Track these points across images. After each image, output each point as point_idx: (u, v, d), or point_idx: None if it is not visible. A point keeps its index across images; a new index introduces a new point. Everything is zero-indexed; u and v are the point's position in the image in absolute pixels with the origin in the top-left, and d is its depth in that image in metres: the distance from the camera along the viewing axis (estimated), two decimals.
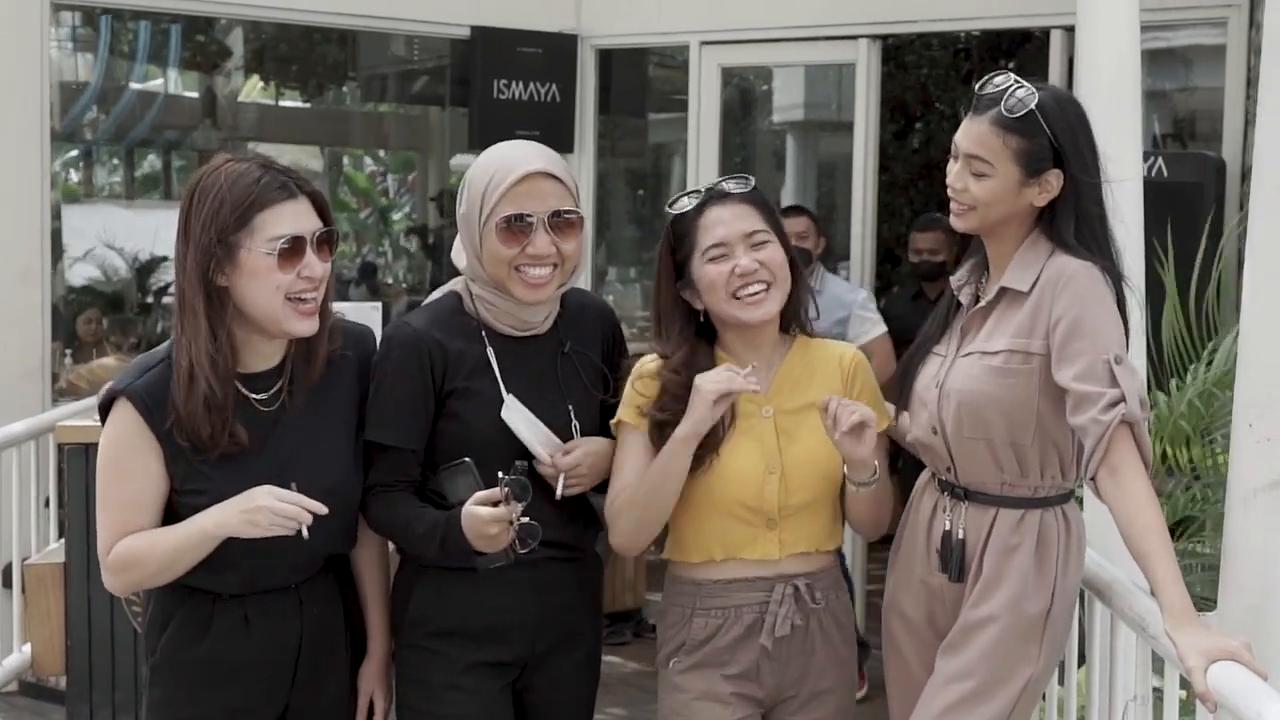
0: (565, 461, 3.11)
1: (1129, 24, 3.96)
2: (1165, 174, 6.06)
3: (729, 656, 3.19)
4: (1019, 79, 3.05)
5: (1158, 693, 3.08)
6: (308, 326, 2.94)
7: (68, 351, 8.16)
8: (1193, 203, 5.85)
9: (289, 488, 2.85)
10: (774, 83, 10.43)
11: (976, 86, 3.11)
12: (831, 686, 3.24)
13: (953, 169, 3.10)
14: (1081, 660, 3.47)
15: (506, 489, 2.90)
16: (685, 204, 3.20)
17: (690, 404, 3.04)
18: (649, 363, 3.22)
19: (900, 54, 9.71)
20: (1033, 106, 3.00)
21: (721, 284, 3.14)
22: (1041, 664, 3.05)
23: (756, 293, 3.13)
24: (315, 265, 2.92)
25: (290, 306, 2.91)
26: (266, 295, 2.89)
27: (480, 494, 2.93)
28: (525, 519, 2.92)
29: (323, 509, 2.83)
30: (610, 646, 5.32)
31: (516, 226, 3.06)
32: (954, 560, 3.10)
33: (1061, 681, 3.45)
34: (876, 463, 3.10)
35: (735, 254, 3.13)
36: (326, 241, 2.96)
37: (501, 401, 3.10)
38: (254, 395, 2.97)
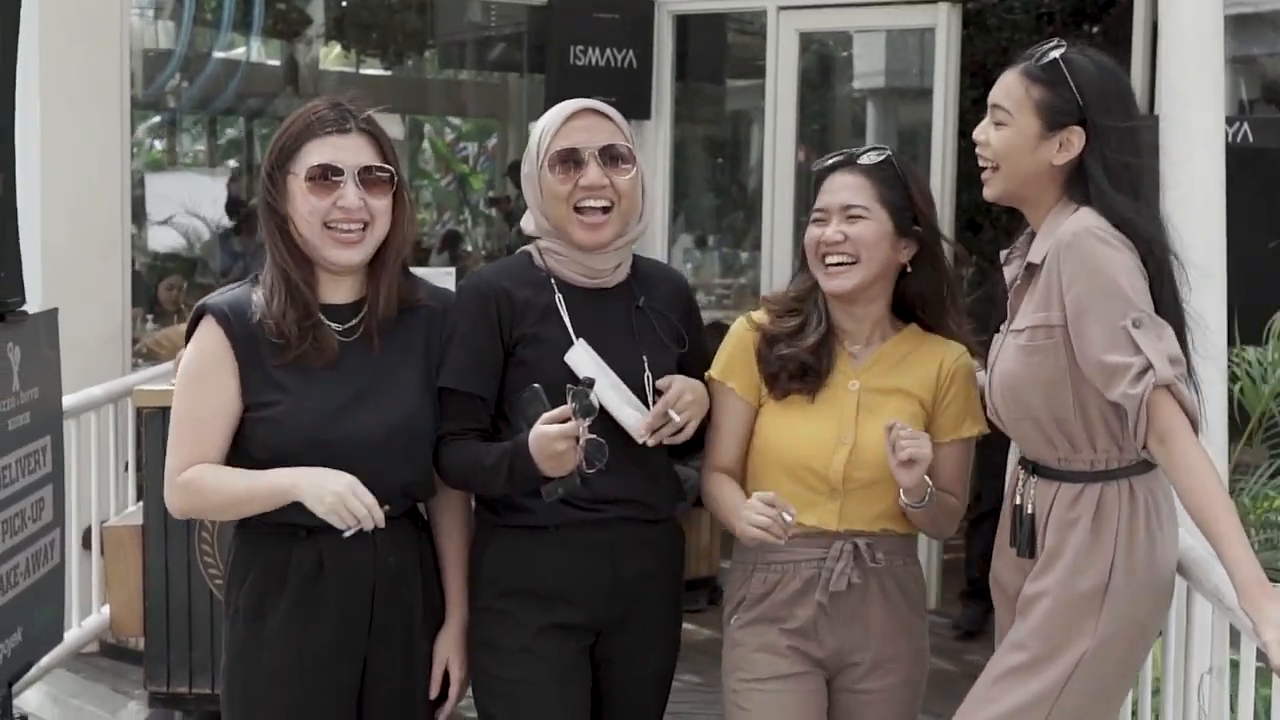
0: (671, 390, 3.11)
1: None
2: (1250, 139, 5.98)
3: (787, 612, 3.20)
4: (1060, 40, 3.02)
5: (1235, 665, 3.03)
6: (345, 256, 3.04)
7: (149, 317, 8.23)
8: (1278, 167, 5.78)
9: (383, 509, 2.94)
10: (854, 48, 10.34)
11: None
12: (898, 654, 3.23)
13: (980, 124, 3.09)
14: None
15: (574, 404, 2.90)
16: (824, 163, 3.26)
17: (739, 516, 3.05)
18: (753, 318, 3.27)
19: (982, 18, 9.57)
20: (1056, 56, 2.96)
21: (813, 247, 3.20)
22: (1099, 639, 2.96)
23: (838, 264, 3.16)
24: (351, 196, 3.01)
25: (328, 234, 3.02)
26: (304, 221, 3.02)
27: (548, 414, 2.93)
28: (592, 436, 2.92)
29: (381, 523, 2.93)
30: (684, 614, 5.32)
31: (570, 158, 3.12)
32: (1023, 535, 3.07)
33: None
34: (929, 489, 3.09)
35: (830, 222, 3.17)
36: (375, 180, 3.05)
37: (570, 347, 3.11)
38: (334, 325, 3.07)
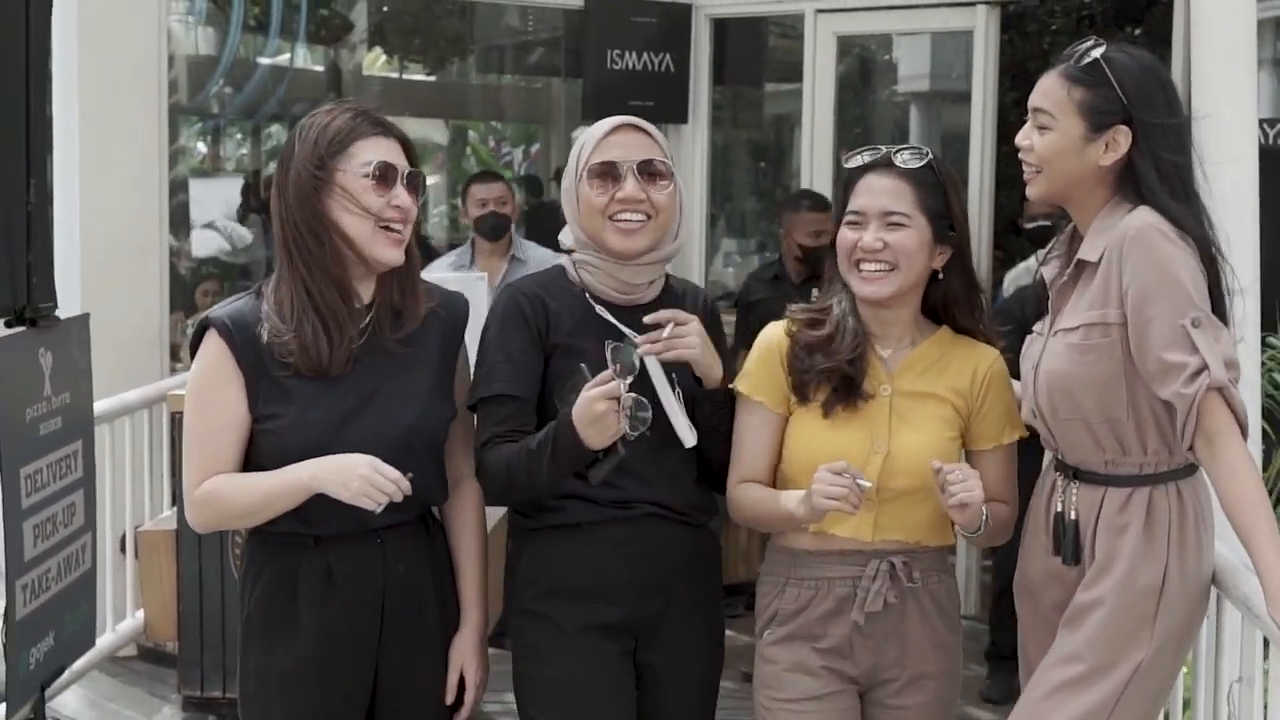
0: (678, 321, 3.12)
1: None
2: None
3: (821, 630, 3.15)
4: (1098, 39, 2.98)
5: (1266, 674, 3.00)
6: (395, 255, 3.06)
7: (189, 322, 8.25)
8: None
9: (406, 477, 2.92)
10: (895, 51, 10.30)
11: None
12: (932, 671, 3.18)
13: (1023, 129, 3.04)
14: None
15: (616, 363, 2.90)
16: (856, 161, 3.19)
17: (811, 502, 3.00)
18: (770, 331, 3.23)
19: (1022, 21, 9.53)
20: (1097, 56, 2.92)
21: (847, 252, 3.14)
22: (1155, 647, 2.93)
23: (876, 270, 3.10)
24: (404, 196, 3.05)
25: (381, 233, 3.03)
26: (359, 218, 3.03)
27: (590, 381, 2.93)
28: (634, 395, 2.91)
29: (409, 490, 2.91)
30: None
31: (607, 172, 3.14)
32: (1068, 543, 3.02)
33: None
34: (984, 516, 3.02)
35: (868, 227, 3.10)
36: (413, 184, 3.09)
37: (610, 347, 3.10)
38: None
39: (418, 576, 3.11)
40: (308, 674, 3.04)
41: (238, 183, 11.77)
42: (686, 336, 3.10)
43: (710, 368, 3.16)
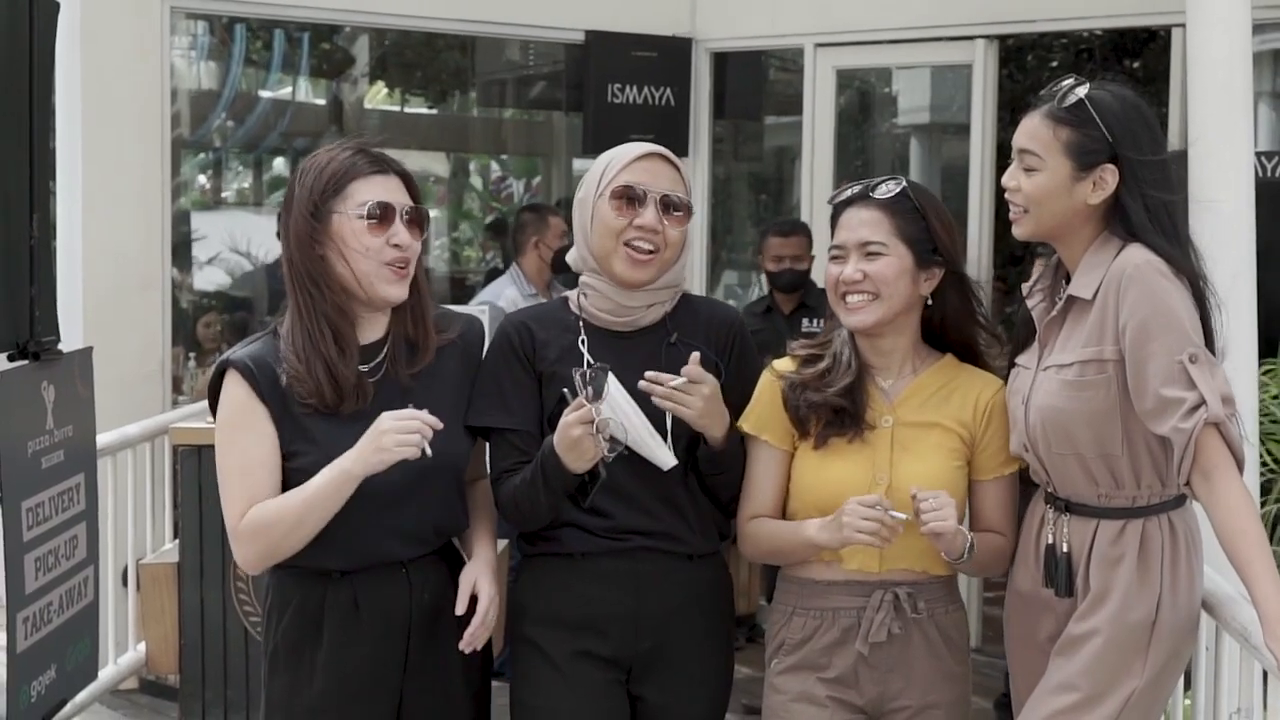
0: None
1: (1240, 23, 3.86)
2: None
3: (826, 660, 3.16)
4: (1079, 77, 2.99)
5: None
6: (398, 292, 3.07)
7: (190, 355, 8.27)
8: None
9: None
10: (894, 85, 10.33)
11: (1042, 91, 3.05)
12: (939, 701, 3.18)
13: (1008, 170, 3.05)
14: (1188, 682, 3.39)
15: (588, 387, 2.92)
16: (840, 196, 3.23)
17: (837, 524, 3.02)
18: (776, 368, 3.25)
19: (1020, 55, 9.57)
20: (1082, 96, 2.94)
21: (832, 285, 3.17)
22: (1147, 677, 2.96)
23: (859, 301, 3.13)
24: (404, 234, 3.06)
25: (385, 270, 3.04)
26: (358, 259, 3.04)
27: (569, 407, 2.95)
28: (609, 417, 2.93)
29: (439, 424, 2.92)
30: None
31: (631, 195, 3.14)
32: (1060, 574, 3.03)
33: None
34: (968, 545, 3.04)
35: (848, 260, 3.13)
36: (415, 220, 3.09)
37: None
38: (360, 365, 3.08)
39: (441, 607, 3.12)
40: (334, 705, 3.06)
41: (244, 216, 11.78)
42: (690, 396, 3.07)
43: (709, 429, 3.13)
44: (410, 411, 2.91)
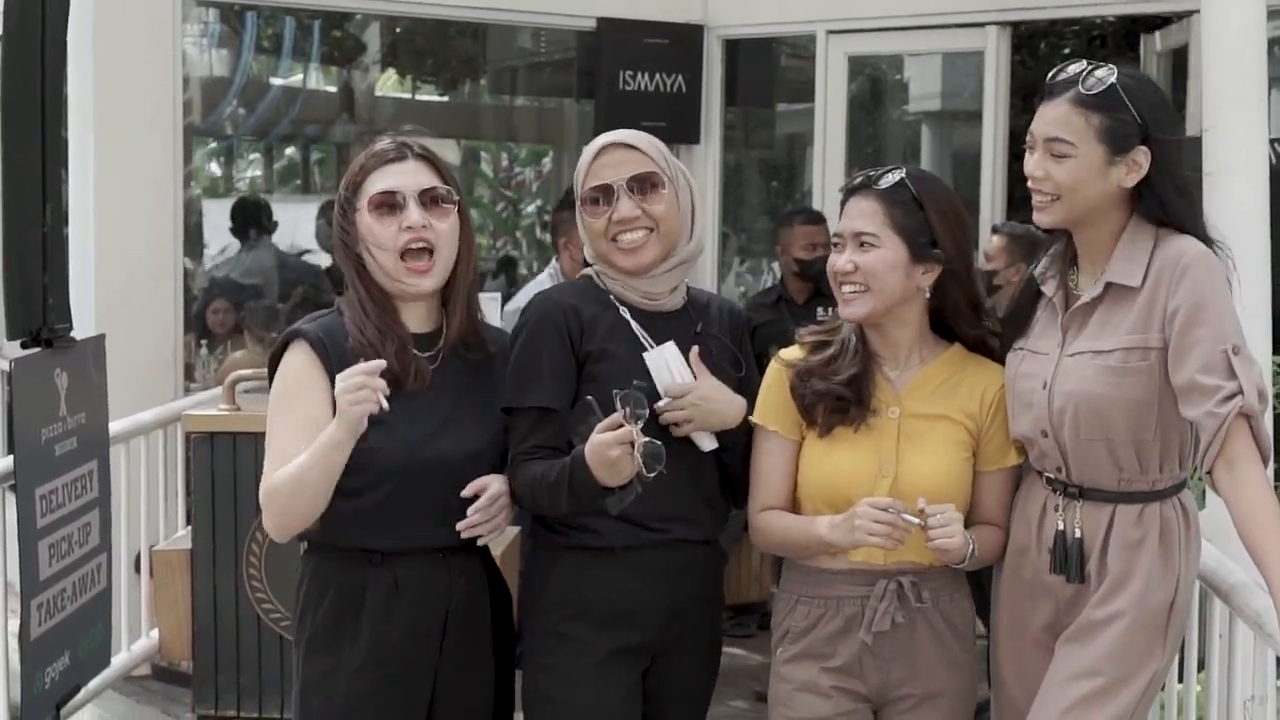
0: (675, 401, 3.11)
1: (1254, 7, 3.85)
2: None
3: (830, 649, 3.16)
4: (1092, 62, 3.00)
5: None
6: (420, 283, 3.10)
7: (202, 343, 8.26)
8: None
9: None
10: (906, 72, 10.31)
11: (1049, 75, 3.04)
12: (944, 690, 3.19)
13: (1030, 159, 3.03)
14: (1203, 662, 3.39)
15: (626, 407, 2.89)
16: (847, 185, 3.23)
17: (849, 525, 3.02)
18: (784, 356, 3.23)
19: (1033, 42, 9.54)
20: (1113, 81, 2.94)
21: (831, 275, 3.17)
22: (1166, 658, 3.00)
23: (852, 292, 3.12)
24: (415, 214, 3.06)
25: (403, 263, 3.06)
26: (381, 252, 3.08)
27: (602, 423, 2.92)
28: (647, 439, 2.89)
29: (382, 363, 2.90)
30: (735, 639, 5.28)
31: (598, 195, 3.16)
32: (1073, 560, 3.03)
33: (1181, 679, 3.37)
34: (970, 548, 3.05)
35: (845, 249, 3.13)
36: (435, 199, 3.10)
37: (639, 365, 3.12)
38: (418, 352, 3.11)
39: (477, 595, 3.16)
40: (371, 688, 3.07)
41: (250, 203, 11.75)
42: (682, 411, 3.10)
43: (723, 425, 3.16)
44: (349, 370, 2.90)
